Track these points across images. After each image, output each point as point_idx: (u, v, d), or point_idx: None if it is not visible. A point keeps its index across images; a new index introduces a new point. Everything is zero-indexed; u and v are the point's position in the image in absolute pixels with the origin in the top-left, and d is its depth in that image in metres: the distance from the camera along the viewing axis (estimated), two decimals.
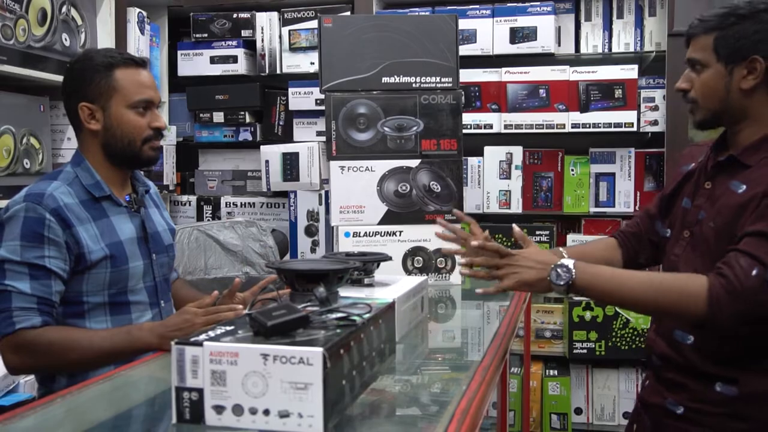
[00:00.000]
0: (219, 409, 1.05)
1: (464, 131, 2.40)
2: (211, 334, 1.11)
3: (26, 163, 2.46)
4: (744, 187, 1.49)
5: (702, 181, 1.62)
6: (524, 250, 1.56)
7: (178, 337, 1.51)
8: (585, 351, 3.03)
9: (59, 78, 2.55)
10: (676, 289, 1.45)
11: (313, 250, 3.14)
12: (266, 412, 1.03)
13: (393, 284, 1.66)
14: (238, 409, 1.04)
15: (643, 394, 1.71)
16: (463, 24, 2.95)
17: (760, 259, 1.39)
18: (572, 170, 3.10)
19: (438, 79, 2.37)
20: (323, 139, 3.11)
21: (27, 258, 1.60)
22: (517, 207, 3.11)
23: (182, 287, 2.04)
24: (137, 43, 2.98)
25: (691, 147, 1.82)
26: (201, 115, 3.33)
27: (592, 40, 3.07)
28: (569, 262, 1.48)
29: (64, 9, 2.58)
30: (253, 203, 3.31)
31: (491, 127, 3.10)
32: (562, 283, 1.47)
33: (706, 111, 1.58)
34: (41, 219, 1.62)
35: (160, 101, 1.83)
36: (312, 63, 3.17)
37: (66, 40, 2.60)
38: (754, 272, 1.39)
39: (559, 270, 1.48)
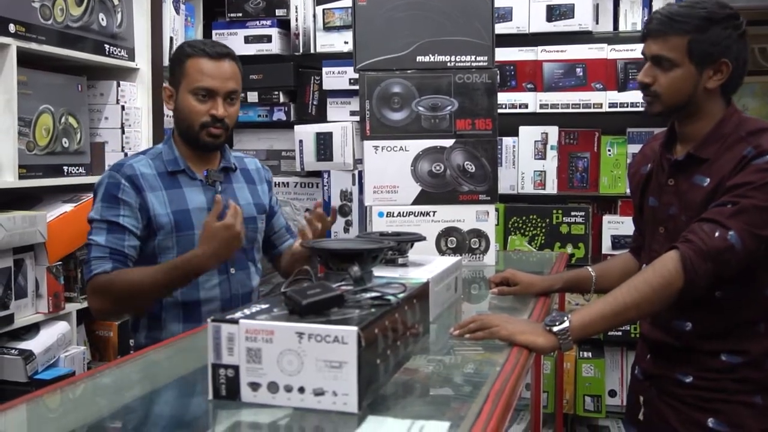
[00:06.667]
0: (254, 386, 1.06)
1: (499, 111, 2.38)
2: (247, 312, 1.12)
3: (65, 142, 2.49)
4: (708, 180, 1.60)
5: (664, 179, 1.71)
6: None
7: (226, 255, 1.76)
8: (620, 333, 3.00)
9: (96, 57, 2.59)
10: (656, 274, 1.52)
11: (346, 230, 3.15)
12: (301, 390, 1.04)
13: (427, 264, 1.65)
14: (273, 387, 1.05)
15: (646, 367, 1.78)
16: (499, 2, 2.90)
17: (722, 222, 1.51)
18: (609, 150, 3.05)
19: (473, 57, 2.34)
20: (357, 118, 3.10)
21: (105, 216, 1.85)
22: (552, 188, 3.08)
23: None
24: (172, 23, 3.00)
25: (643, 148, 1.90)
26: None
27: (631, 18, 3.00)
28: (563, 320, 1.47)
29: None
30: (287, 183, 3.33)
31: (526, 106, 3.06)
32: (560, 326, 1.45)
33: (667, 105, 1.65)
34: (118, 184, 1.86)
35: (232, 92, 1.93)
36: (346, 42, 3.15)
37: (103, 20, 2.62)
38: (716, 234, 1.50)
39: (551, 320, 1.47)
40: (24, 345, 2.26)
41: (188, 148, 1.96)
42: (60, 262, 2.41)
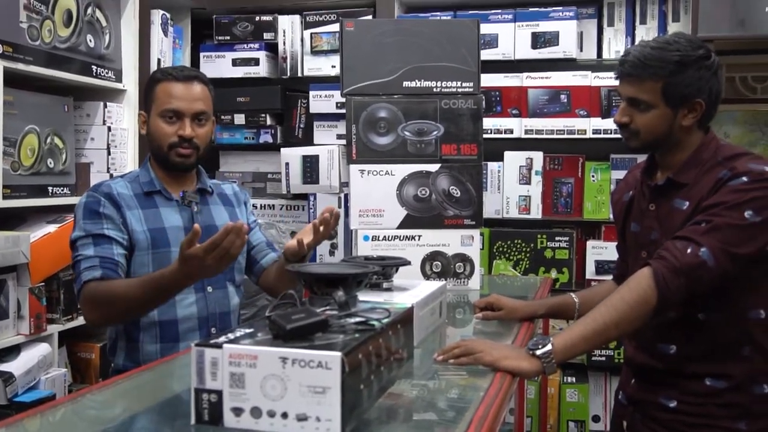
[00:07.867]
0: (237, 411, 1.05)
1: (484, 136, 2.39)
2: (231, 336, 1.11)
3: (50, 163, 2.48)
4: (687, 203, 1.65)
5: (645, 204, 1.75)
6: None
7: (202, 276, 1.72)
8: (604, 358, 3.01)
9: (84, 79, 2.59)
10: (631, 292, 1.54)
11: (331, 254, 3.15)
12: (284, 415, 1.04)
13: (411, 289, 1.66)
14: (256, 412, 1.05)
15: (630, 392, 1.79)
16: (485, 28, 2.94)
17: (694, 239, 1.54)
18: (593, 176, 3.08)
19: (459, 83, 2.36)
20: (343, 142, 3.12)
21: (89, 230, 1.85)
22: (536, 213, 3.10)
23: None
24: (160, 45, 3.01)
25: (626, 176, 1.96)
26: (222, 117, 3.35)
27: (615, 46, 3.05)
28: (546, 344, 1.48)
29: (89, 10, 2.60)
30: (273, 205, 3.33)
31: (512, 132, 3.09)
32: (543, 350, 1.46)
33: (644, 142, 1.71)
34: (98, 200, 1.88)
35: (200, 113, 1.94)
36: (333, 66, 3.17)
37: (90, 41, 2.62)
38: (689, 250, 1.53)
39: (533, 344, 1.49)
40: (4, 367, 2.24)
41: (163, 170, 1.98)
42: (43, 283, 2.39)
